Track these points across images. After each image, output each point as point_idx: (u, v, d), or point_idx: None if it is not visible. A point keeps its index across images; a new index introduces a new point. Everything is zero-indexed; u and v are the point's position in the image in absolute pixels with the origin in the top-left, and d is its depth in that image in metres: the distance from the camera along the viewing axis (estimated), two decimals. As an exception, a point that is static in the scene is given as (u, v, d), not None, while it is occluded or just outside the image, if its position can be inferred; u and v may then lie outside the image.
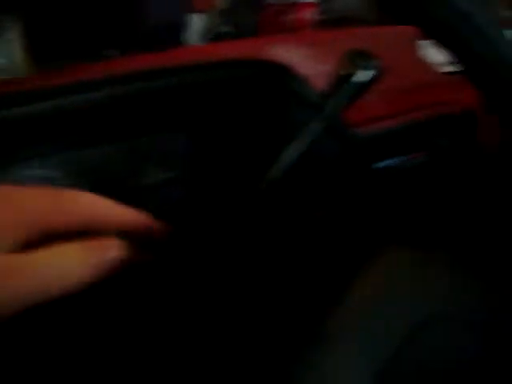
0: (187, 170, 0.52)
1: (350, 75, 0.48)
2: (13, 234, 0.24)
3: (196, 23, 0.99)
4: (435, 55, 0.72)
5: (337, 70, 0.49)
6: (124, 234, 0.29)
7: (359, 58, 0.48)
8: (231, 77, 0.53)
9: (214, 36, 0.97)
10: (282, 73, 0.54)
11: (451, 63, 0.68)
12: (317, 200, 0.55)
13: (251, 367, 0.31)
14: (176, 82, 0.53)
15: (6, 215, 0.24)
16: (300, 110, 0.53)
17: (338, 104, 0.48)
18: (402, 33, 0.70)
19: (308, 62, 0.68)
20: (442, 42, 0.33)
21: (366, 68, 0.48)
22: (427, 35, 0.33)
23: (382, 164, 0.60)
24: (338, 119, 0.51)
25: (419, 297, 0.28)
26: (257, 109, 0.53)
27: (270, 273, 0.41)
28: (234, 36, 0.96)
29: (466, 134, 0.68)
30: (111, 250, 0.27)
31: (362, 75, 0.48)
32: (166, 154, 0.52)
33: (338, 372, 0.26)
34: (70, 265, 0.25)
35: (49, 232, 0.25)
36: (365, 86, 0.48)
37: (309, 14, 1.06)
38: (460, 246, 0.34)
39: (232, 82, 0.53)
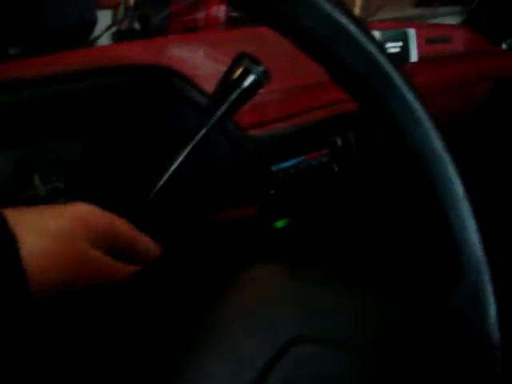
0: (75, 180, 0.51)
1: (239, 79, 0.48)
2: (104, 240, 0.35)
3: (102, 20, 0.96)
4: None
5: (226, 73, 0.49)
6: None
7: (247, 62, 0.49)
8: (120, 83, 0.52)
9: (119, 34, 0.94)
10: (171, 77, 0.53)
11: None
12: (210, 204, 0.54)
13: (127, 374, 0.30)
14: (63, 89, 0.51)
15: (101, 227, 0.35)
16: (189, 114, 0.52)
17: (227, 108, 0.48)
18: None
19: (208, 62, 0.67)
20: (306, 49, 0.32)
21: (253, 72, 0.48)
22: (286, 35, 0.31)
23: (281, 165, 0.60)
24: (228, 122, 0.51)
25: (288, 313, 0.28)
26: (145, 115, 0.52)
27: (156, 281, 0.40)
28: (139, 34, 0.94)
29: (363, 132, 0.70)
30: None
31: (250, 79, 0.48)
32: (55, 164, 0.50)
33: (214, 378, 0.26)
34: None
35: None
36: (252, 90, 0.48)
37: (218, 12, 1.05)
38: (339, 261, 0.34)
39: (120, 87, 0.52)
